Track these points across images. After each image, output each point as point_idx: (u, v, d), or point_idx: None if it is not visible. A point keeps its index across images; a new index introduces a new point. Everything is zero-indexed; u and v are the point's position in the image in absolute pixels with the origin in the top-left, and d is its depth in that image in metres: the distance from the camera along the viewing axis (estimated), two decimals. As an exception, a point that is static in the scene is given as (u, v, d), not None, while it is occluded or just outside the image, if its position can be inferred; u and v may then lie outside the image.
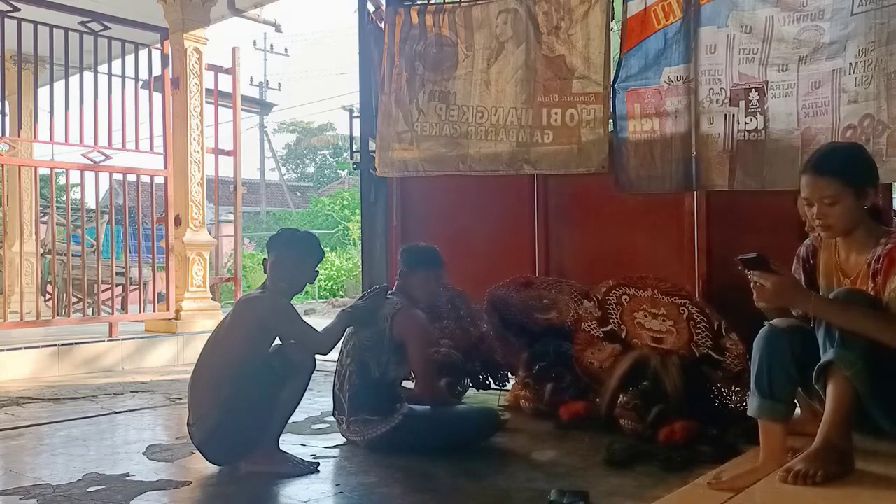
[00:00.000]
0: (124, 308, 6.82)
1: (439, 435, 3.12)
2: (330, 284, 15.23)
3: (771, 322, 2.25)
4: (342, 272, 15.47)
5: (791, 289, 2.11)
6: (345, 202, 17.31)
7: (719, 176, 3.74)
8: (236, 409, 2.78)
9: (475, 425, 3.26)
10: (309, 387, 3.00)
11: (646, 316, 3.47)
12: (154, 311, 6.27)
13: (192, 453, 3.02)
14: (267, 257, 3.02)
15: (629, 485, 2.70)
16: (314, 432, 3.60)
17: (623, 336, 3.61)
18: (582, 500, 2.39)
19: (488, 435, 3.25)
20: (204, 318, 6.32)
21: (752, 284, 2.10)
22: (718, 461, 2.81)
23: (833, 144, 2.28)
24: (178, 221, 6.35)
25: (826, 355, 2.05)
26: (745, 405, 3.19)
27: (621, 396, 3.45)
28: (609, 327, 3.65)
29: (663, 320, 3.42)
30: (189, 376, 3.01)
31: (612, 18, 4.25)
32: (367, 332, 3.22)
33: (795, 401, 2.35)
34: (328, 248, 16.50)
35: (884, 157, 3.32)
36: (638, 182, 3.99)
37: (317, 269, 3.08)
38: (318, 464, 2.93)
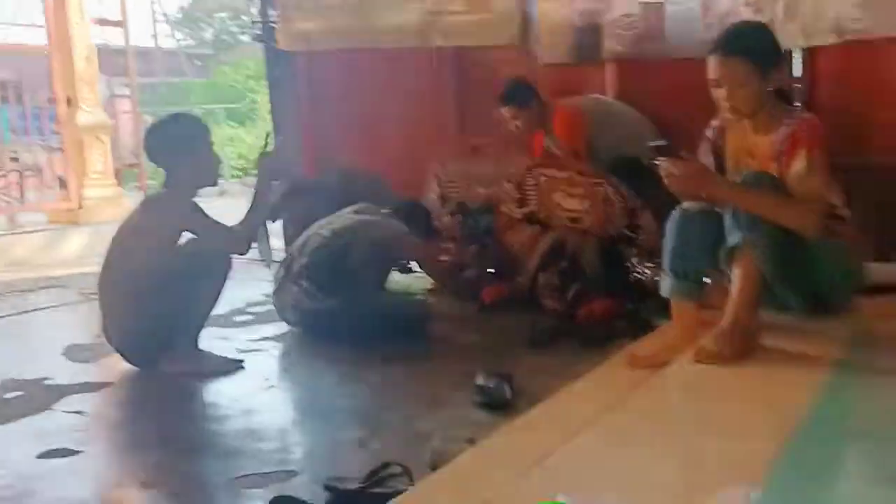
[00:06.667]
0: (21, 197, 6.43)
1: (372, 324, 3.14)
2: (241, 163, 14.71)
3: (682, 206, 2.32)
4: (254, 149, 14.93)
5: (699, 175, 2.16)
6: (249, 72, 16.40)
7: (621, 42, 3.75)
8: (152, 308, 2.71)
9: (407, 315, 3.31)
10: (229, 277, 2.95)
11: (563, 196, 3.52)
12: (54, 199, 5.94)
13: (113, 352, 2.97)
14: (149, 156, 2.88)
15: (551, 363, 2.79)
16: (238, 325, 3.57)
17: (541, 217, 3.67)
18: (506, 382, 2.47)
19: (420, 324, 3.29)
20: (109, 206, 6.05)
21: (661, 171, 2.14)
22: (634, 336, 2.97)
23: (740, 24, 2.29)
24: (68, 102, 5.91)
25: (733, 238, 2.14)
26: (659, 280, 3.37)
27: (541, 276, 3.53)
28: (528, 209, 3.69)
29: (581, 200, 3.48)
30: (95, 263, 2.92)
31: None
32: (370, 229, 3.32)
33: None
34: (236, 123, 15.77)
35: (781, 24, 3.38)
36: (552, 53, 3.96)
37: (212, 150, 2.92)
38: (242, 361, 2.90)
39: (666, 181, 2.14)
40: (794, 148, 2.18)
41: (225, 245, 2.85)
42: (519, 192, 3.67)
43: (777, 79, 2.27)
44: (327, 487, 1.81)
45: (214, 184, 2.99)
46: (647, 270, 3.47)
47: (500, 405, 2.36)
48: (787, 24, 3.26)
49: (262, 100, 15.59)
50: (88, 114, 6.00)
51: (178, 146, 2.82)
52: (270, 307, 3.55)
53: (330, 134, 4.75)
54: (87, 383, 2.77)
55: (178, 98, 18.44)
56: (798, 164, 2.16)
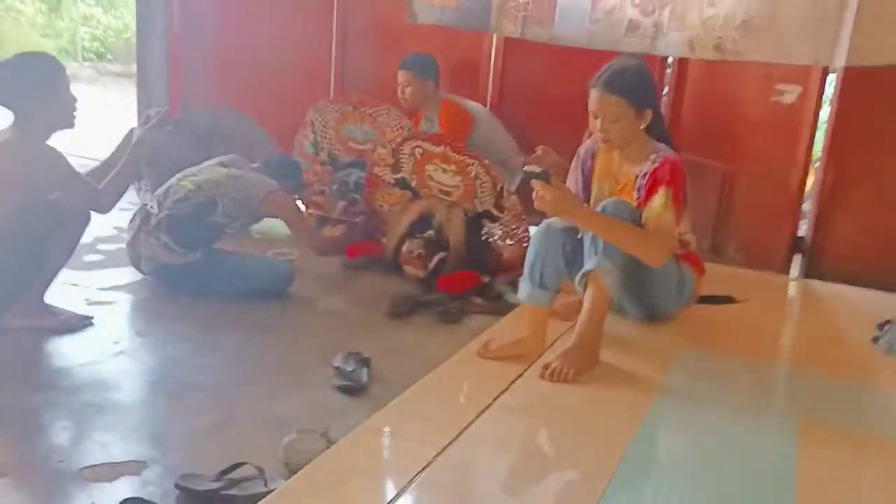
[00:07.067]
0: None
1: (231, 284, 3.14)
2: (95, 45, 13.56)
3: (548, 221, 2.45)
4: (110, 32, 13.79)
5: (566, 202, 2.29)
6: (112, -52, 14.97)
7: (512, 22, 3.79)
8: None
9: (268, 277, 3.29)
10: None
11: (436, 169, 3.57)
12: None
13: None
14: None
15: (408, 340, 2.89)
16: (87, 266, 3.40)
17: (413, 185, 3.71)
18: (364, 365, 2.56)
19: (281, 287, 3.29)
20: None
21: (533, 194, 2.25)
22: (488, 312, 3.16)
23: (623, 64, 2.40)
24: None
25: (589, 262, 2.31)
26: (518, 256, 3.54)
27: (407, 243, 3.60)
28: (401, 175, 3.71)
29: (452, 175, 3.54)
30: None
31: None
32: (238, 184, 3.18)
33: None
34: (93, 2, 14.44)
35: (664, 31, 3.54)
36: (432, 14, 3.93)
37: (68, 91, 2.71)
38: (91, 318, 2.80)
39: (537, 203, 2.25)
40: (655, 184, 2.35)
41: (87, 202, 2.71)
42: (393, 158, 3.69)
43: (649, 119, 2.40)
44: (178, 487, 1.83)
45: (71, 126, 2.79)
46: (506, 250, 3.64)
47: (357, 389, 2.44)
48: (672, 31, 3.41)
49: (124, -21, 14.33)
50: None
51: (30, 90, 2.60)
52: (122, 245, 3.42)
53: (201, 68, 4.51)
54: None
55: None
56: (656, 201, 2.33)
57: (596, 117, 2.38)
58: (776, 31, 3.27)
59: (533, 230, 3.43)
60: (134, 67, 12.33)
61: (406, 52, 4.18)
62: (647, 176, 2.38)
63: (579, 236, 2.39)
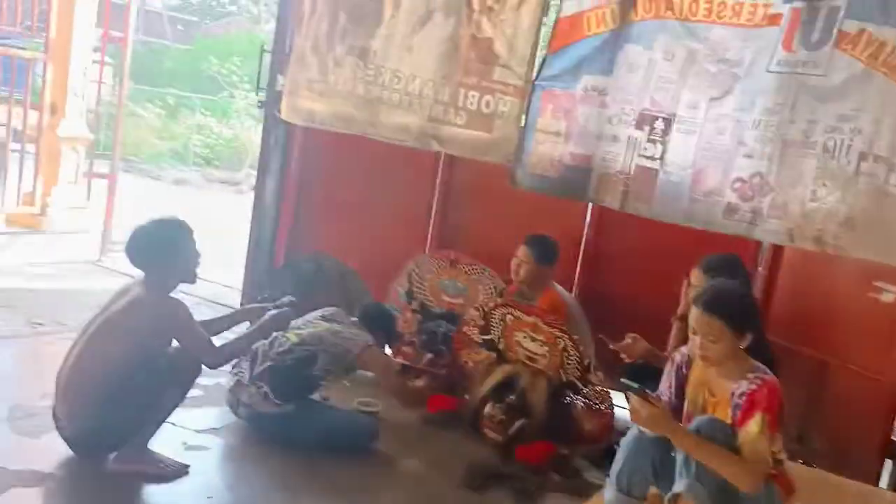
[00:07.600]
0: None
1: (320, 438, 3.27)
2: (206, 153, 14.52)
3: (641, 429, 2.47)
4: (221, 141, 14.77)
5: (662, 420, 2.32)
6: (234, 66, 16.23)
7: (612, 195, 3.85)
8: (114, 410, 2.74)
9: (355, 433, 3.41)
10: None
11: (525, 337, 3.66)
12: (18, 203, 5.78)
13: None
14: (132, 261, 2.93)
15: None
16: (185, 405, 3.56)
17: (500, 348, 3.80)
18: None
19: (366, 443, 3.40)
20: (73, 214, 5.91)
21: (629, 407, 2.29)
22: (566, 492, 3.17)
23: (725, 286, 2.46)
24: (52, 110, 5.82)
25: (679, 484, 2.30)
26: (599, 430, 3.55)
27: (488, 405, 3.65)
28: (489, 337, 3.81)
29: (541, 344, 3.61)
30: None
31: (546, 13, 4.18)
32: (337, 339, 3.38)
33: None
34: (208, 113, 15.54)
35: (763, 217, 3.55)
36: (533, 181, 4.06)
37: (194, 250, 2.98)
38: (187, 467, 2.95)
39: (632, 417, 2.28)
40: (751, 408, 2.32)
41: (204, 357, 2.91)
42: (484, 321, 3.80)
43: (748, 340, 2.42)
44: None
45: (193, 281, 3.04)
46: (587, 424, 3.62)
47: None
48: (771, 219, 3.40)
49: (239, 96, 15.48)
50: (71, 123, 5.87)
51: (161, 254, 2.88)
52: (221, 382, 3.59)
53: (311, 210, 4.82)
54: (31, 472, 2.74)
55: (154, 59, 18.01)
56: (752, 426, 2.30)
57: (695, 333, 2.42)
58: (879, 230, 3.21)
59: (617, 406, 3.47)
60: (238, 175, 13.04)
61: (505, 215, 4.39)
62: (744, 396, 2.35)
63: (671, 451, 2.39)
